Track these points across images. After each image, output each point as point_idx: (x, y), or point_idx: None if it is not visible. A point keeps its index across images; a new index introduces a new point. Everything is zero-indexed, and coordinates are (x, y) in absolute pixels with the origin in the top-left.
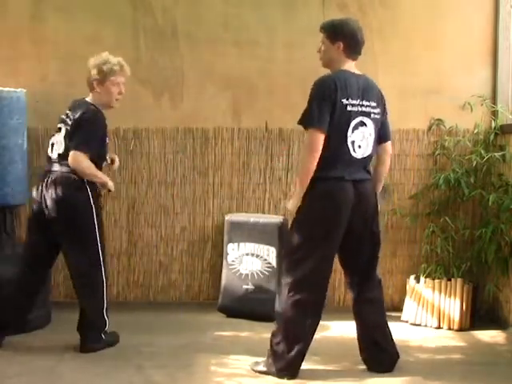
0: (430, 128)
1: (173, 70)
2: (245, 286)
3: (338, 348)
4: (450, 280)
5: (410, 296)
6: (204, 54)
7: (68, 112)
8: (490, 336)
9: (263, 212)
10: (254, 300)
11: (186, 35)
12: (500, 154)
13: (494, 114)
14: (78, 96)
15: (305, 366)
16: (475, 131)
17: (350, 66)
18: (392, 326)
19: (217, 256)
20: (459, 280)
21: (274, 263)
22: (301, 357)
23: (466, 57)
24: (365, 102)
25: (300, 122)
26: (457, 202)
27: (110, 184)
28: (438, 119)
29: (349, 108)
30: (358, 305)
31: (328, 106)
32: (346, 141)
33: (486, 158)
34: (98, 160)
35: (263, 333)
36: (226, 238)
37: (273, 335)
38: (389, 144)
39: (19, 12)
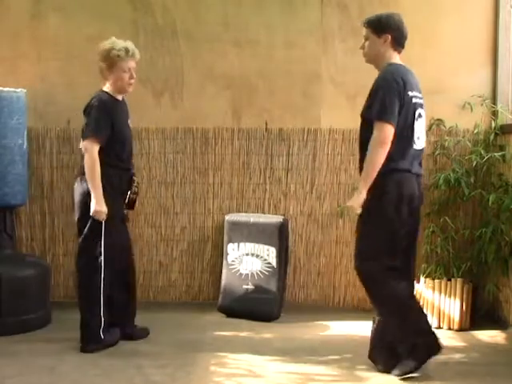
0: (430, 128)
1: (173, 69)
2: (245, 286)
3: (338, 348)
4: (449, 280)
5: None
6: (204, 54)
7: None
8: (490, 336)
9: (263, 212)
10: (254, 300)
11: (186, 35)
12: (500, 154)
13: (494, 113)
14: (78, 96)
15: (305, 366)
16: (475, 131)
17: (398, 60)
18: None
19: (217, 256)
20: (459, 280)
21: (274, 263)
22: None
23: (466, 57)
24: (419, 94)
25: (368, 115)
26: (457, 202)
27: (99, 210)
28: (438, 119)
29: (413, 100)
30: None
31: (397, 100)
32: (413, 132)
33: (486, 158)
34: (117, 159)
35: (263, 333)
36: (225, 237)
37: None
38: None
39: (19, 12)
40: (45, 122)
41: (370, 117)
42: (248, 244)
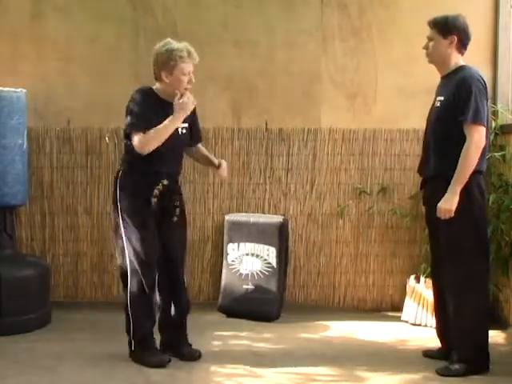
0: None
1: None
2: (245, 286)
3: (338, 348)
4: None
5: (410, 296)
6: (204, 54)
7: None
8: (490, 336)
9: (263, 212)
10: (254, 300)
11: (186, 35)
12: (500, 154)
13: (494, 114)
14: (78, 96)
15: (305, 366)
16: None
17: (461, 61)
18: (392, 325)
19: (217, 256)
20: None
21: (274, 263)
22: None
23: (465, 57)
24: None
25: (465, 119)
26: None
27: (185, 100)
28: None
29: (488, 102)
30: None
31: (485, 102)
32: (489, 135)
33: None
34: (141, 159)
35: (263, 333)
36: (226, 237)
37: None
38: None
39: (19, 12)
40: (45, 122)
41: (467, 120)
42: (248, 244)
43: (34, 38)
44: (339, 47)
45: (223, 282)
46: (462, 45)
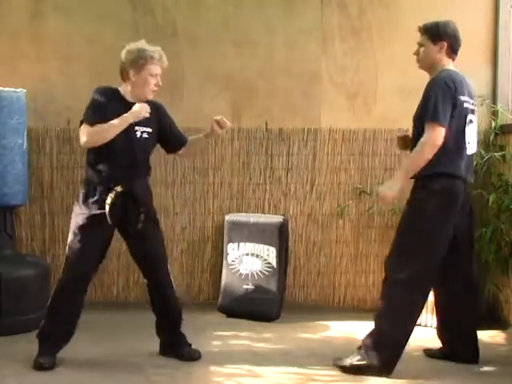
0: None
1: (173, 70)
2: (245, 286)
3: (338, 348)
4: None
5: None
6: (204, 54)
7: None
8: (490, 336)
9: (263, 212)
10: (254, 300)
11: (186, 35)
12: (500, 154)
13: (494, 113)
14: (78, 96)
15: (305, 366)
16: None
17: (451, 66)
18: None
19: (217, 256)
20: None
21: (274, 263)
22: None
23: (465, 57)
24: (471, 100)
25: (421, 117)
26: None
27: (142, 105)
28: None
29: (465, 105)
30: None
31: (450, 104)
32: (465, 137)
33: (486, 158)
34: (96, 162)
35: (263, 333)
36: (226, 238)
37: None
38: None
39: (19, 12)
40: (45, 122)
41: (423, 118)
42: (248, 244)
43: (34, 37)
44: (339, 47)
45: (223, 281)
46: (452, 50)
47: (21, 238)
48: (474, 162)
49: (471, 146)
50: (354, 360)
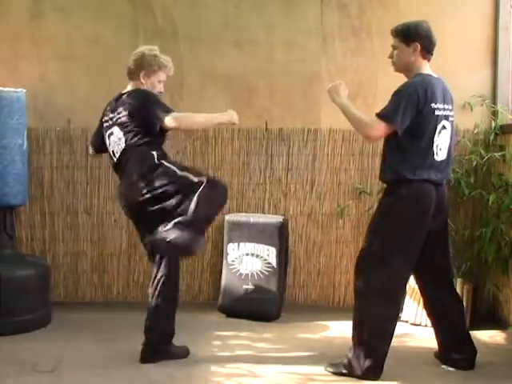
0: None
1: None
2: (245, 286)
3: (338, 348)
4: None
5: (410, 296)
6: (204, 54)
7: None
8: (490, 336)
9: (263, 212)
10: (254, 300)
11: (186, 35)
12: (500, 154)
13: (494, 113)
14: (78, 96)
15: (305, 366)
16: (475, 131)
17: (428, 68)
18: None
19: (217, 256)
20: (459, 280)
21: (274, 263)
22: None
23: (466, 57)
24: (446, 106)
25: (378, 113)
26: (457, 202)
27: (233, 115)
28: None
29: (436, 112)
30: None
31: (412, 111)
32: (433, 144)
33: (486, 158)
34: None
35: (263, 333)
36: (226, 238)
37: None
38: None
39: (19, 12)
40: (45, 122)
41: (378, 114)
42: (248, 244)
43: (34, 38)
44: (339, 47)
45: (223, 282)
46: (427, 51)
47: (21, 237)
48: (474, 162)
49: (442, 152)
50: (340, 370)
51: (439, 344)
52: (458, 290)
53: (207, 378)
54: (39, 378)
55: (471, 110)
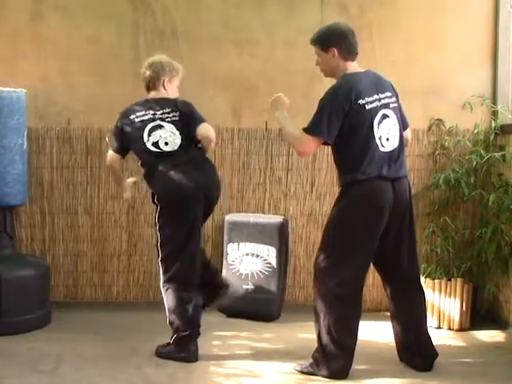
0: (429, 128)
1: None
2: (245, 286)
3: None
4: (450, 280)
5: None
6: (204, 54)
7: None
8: (490, 336)
9: (263, 212)
10: (254, 300)
11: (186, 35)
12: (500, 154)
13: (494, 113)
14: (78, 96)
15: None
16: (475, 131)
17: (353, 66)
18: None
19: (217, 256)
20: (459, 280)
21: (274, 263)
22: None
23: (466, 57)
24: (381, 95)
25: (304, 128)
26: (457, 202)
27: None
28: (438, 119)
29: (367, 107)
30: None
31: (338, 113)
32: (374, 138)
33: (486, 158)
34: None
35: (263, 333)
36: (226, 238)
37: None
38: (407, 131)
39: (19, 12)
40: (45, 122)
41: (305, 128)
42: (248, 244)
43: (34, 38)
44: None
45: None
46: (347, 53)
47: (21, 238)
48: (474, 162)
49: (391, 142)
50: (308, 370)
51: (396, 342)
52: (458, 290)
53: (207, 378)
54: (39, 377)
55: (471, 110)
